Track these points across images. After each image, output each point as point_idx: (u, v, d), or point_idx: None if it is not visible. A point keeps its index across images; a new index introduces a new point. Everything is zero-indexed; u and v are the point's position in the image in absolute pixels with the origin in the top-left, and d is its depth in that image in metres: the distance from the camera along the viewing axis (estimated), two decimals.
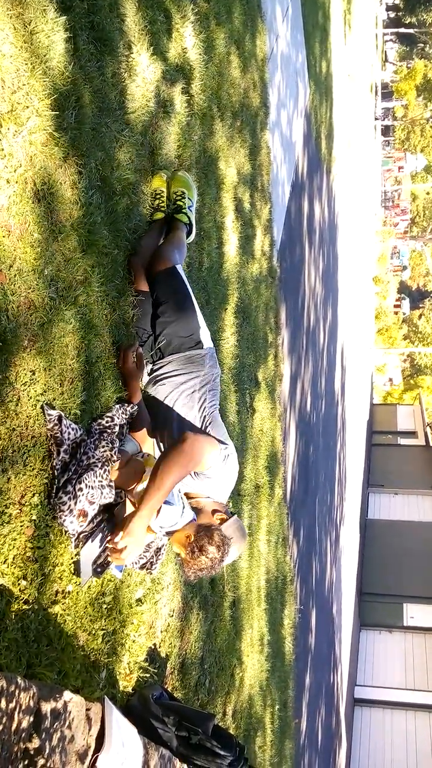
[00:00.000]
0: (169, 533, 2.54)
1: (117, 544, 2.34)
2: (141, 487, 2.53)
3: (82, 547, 2.34)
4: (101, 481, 2.40)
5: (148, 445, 2.90)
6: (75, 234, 2.38)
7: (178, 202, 3.21)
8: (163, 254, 2.97)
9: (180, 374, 2.88)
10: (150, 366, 2.91)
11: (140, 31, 3.07)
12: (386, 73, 50.87)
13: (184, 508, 2.54)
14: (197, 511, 2.82)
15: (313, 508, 9.10)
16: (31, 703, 1.71)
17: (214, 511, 2.86)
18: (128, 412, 2.65)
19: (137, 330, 2.86)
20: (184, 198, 3.21)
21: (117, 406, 2.63)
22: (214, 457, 2.66)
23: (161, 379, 2.88)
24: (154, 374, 2.91)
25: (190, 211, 3.24)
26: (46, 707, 1.78)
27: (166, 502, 2.47)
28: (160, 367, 2.89)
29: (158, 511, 2.45)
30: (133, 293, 2.85)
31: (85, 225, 2.44)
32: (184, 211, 3.20)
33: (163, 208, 3.18)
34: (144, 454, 2.68)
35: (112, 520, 2.50)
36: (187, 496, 2.87)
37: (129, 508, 2.60)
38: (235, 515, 2.96)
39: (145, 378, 2.92)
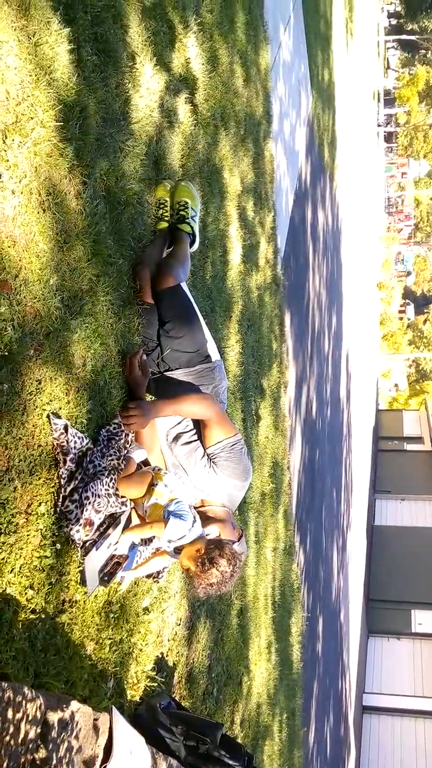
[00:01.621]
0: (178, 549, 2.53)
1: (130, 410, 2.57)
2: (150, 501, 2.51)
3: (88, 556, 2.34)
4: (107, 490, 2.40)
5: (156, 453, 2.90)
6: (80, 244, 2.39)
7: (181, 212, 3.21)
8: (168, 272, 2.96)
9: None
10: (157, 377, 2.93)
11: (144, 41, 3.09)
12: (388, 80, 51.01)
13: (194, 521, 2.53)
14: (213, 521, 2.82)
15: (320, 514, 9.07)
16: (38, 714, 1.71)
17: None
18: None
19: (143, 339, 2.87)
20: (187, 208, 3.22)
21: None
22: (226, 431, 2.82)
23: None
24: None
25: (193, 221, 3.24)
26: (54, 717, 1.77)
27: (176, 515, 2.45)
28: (169, 379, 2.91)
29: (166, 523, 2.44)
30: (138, 302, 2.86)
31: (90, 234, 2.45)
32: (187, 221, 3.20)
33: (166, 218, 3.19)
34: (156, 467, 2.67)
35: (117, 525, 2.49)
36: (203, 504, 2.88)
37: (135, 520, 2.59)
38: (242, 531, 3.00)
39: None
